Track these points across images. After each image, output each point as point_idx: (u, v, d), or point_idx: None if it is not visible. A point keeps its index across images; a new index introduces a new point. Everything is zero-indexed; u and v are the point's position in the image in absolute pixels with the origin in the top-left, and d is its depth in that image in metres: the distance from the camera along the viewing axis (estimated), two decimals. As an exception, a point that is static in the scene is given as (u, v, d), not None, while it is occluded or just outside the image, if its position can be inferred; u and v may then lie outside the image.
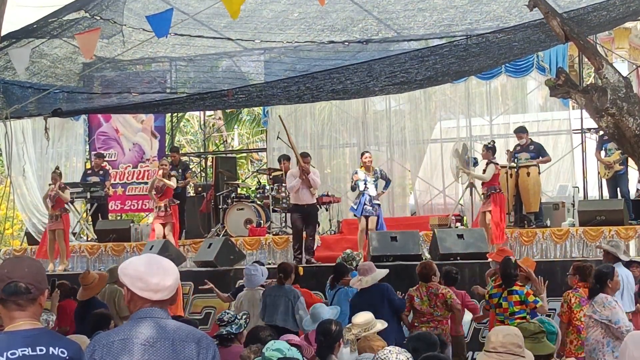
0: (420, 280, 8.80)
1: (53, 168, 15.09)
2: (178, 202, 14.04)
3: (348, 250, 10.83)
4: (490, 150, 12.61)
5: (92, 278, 9.06)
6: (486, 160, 12.60)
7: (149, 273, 3.27)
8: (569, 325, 8.19)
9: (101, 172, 16.11)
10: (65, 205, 14.19)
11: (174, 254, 11.89)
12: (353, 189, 12.85)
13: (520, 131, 13.61)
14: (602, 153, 13.23)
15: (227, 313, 6.64)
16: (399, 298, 8.82)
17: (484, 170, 12.55)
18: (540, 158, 13.39)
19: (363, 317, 6.72)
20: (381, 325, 6.70)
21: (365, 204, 12.46)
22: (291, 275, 9.25)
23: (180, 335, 3.25)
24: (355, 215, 12.87)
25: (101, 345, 3.24)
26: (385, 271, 9.01)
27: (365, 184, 12.48)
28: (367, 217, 12.47)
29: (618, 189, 13.14)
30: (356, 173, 12.72)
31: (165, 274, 3.29)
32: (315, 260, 12.53)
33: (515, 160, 13.23)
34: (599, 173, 13.81)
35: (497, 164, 12.50)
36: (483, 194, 12.58)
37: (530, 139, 13.63)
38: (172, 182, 13.64)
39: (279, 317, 8.67)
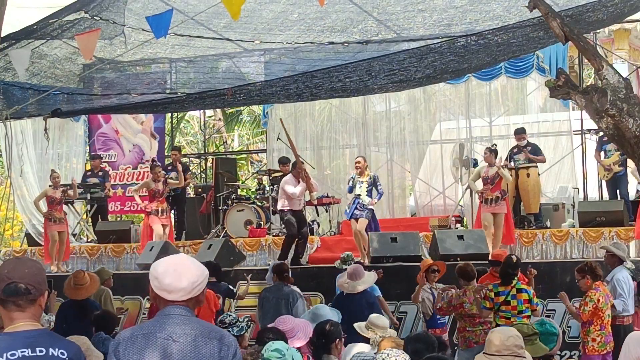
0: (464, 280, 8.76)
1: (53, 169, 15.07)
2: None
3: (348, 252, 10.82)
4: (493, 152, 12.52)
5: (86, 279, 9.10)
6: (495, 164, 12.40)
7: (164, 273, 3.37)
8: (590, 323, 8.14)
9: (100, 173, 16.11)
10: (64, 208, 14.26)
11: (174, 254, 11.87)
12: (350, 190, 12.70)
13: (522, 132, 13.59)
14: (602, 154, 13.23)
15: (229, 315, 6.64)
16: (379, 308, 8.83)
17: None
18: (534, 156, 13.34)
19: (382, 320, 6.66)
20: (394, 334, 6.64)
21: (356, 208, 12.30)
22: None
23: (202, 333, 3.33)
24: (347, 219, 12.87)
25: (125, 339, 3.34)
26: (374, 276, 9.03)
27: (359, 188, 12.32)
28: (356, 219, 12.31)
29: (618, 190, 13.14)
30: (352, 178, 12.58)
31: (181, 276, 3.36)
32: (310, 261, 12.70)
33: (513, 161, 13.23)
34: (598, 174, 13.82)
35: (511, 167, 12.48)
36: (497, 197, 12.08)
37: (527, 140, 13.63)
38: (177, 180, 13.87)
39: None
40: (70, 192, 14.01)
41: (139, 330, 3.36)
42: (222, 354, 3.30)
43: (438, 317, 9.16)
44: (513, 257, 8.57)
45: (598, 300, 8.11)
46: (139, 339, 3.31)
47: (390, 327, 6.74)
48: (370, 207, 12.31)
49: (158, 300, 3.39)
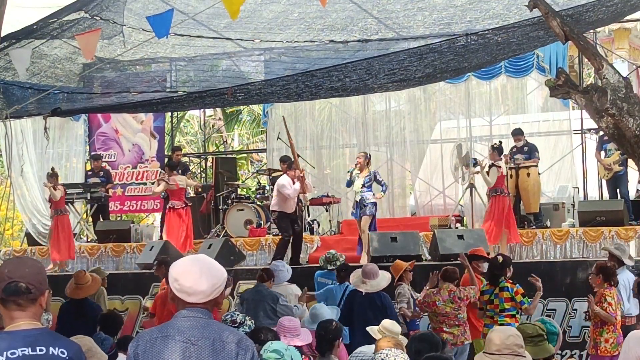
0: (442, 280, 8.79)
1: (53, 167, 15.08)
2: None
3: (332, 251, 10.81)
4: (496, 150, 12.52)
5: (87, 278, 9.13)
6: (490, 162, 12.48)
7: (184, 275, 3.36)
8: (604, 324, 8.10)
9: (101, 172, 16.14)
10: (66, 207, 14.22)
11: (174, 254, 11.89)
12: (348, 184, 12.76)
13: (518, 133, 13.64)
14: (602, 154, 13.24)
15: (237, 314, 6.60)
16: (395, 312, 8.81)
17: (488, 173, 12.43)
18: (530, 159, 13.38)
19: (396, 327, 6.66)
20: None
21: (360, 207, 12.42)
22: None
23: (220, 335, 3.34)
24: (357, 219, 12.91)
25: (144, 341, 3.35)
26: (389, 277, 8.98)
27: (357, 184, 12.37)
28: (361, 217, 12.44)
29: (618, 189, 13.14)
30: (351, 172, 12.66)
31: (201, 278, 3.35)
32: (310, 261, 12.73)
33: (513, 161, 13.24)
34: (598, 174, 13.82)
35: (500, 166, 12.41)
36: (487, 195, 12.55)
37: (525, 140, 13.64)
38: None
39: (261, 322, 8.51)
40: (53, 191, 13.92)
41: (157, 333, 3.38)
42: (239, 357, 3.31)
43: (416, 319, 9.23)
44: (499, 257, 8.63)
45: (615, 298, 8.11)
46: (158, 342, 3.33)
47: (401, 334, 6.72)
48: (372, 200, 12.39)
49: (177, 301, 3.39)
